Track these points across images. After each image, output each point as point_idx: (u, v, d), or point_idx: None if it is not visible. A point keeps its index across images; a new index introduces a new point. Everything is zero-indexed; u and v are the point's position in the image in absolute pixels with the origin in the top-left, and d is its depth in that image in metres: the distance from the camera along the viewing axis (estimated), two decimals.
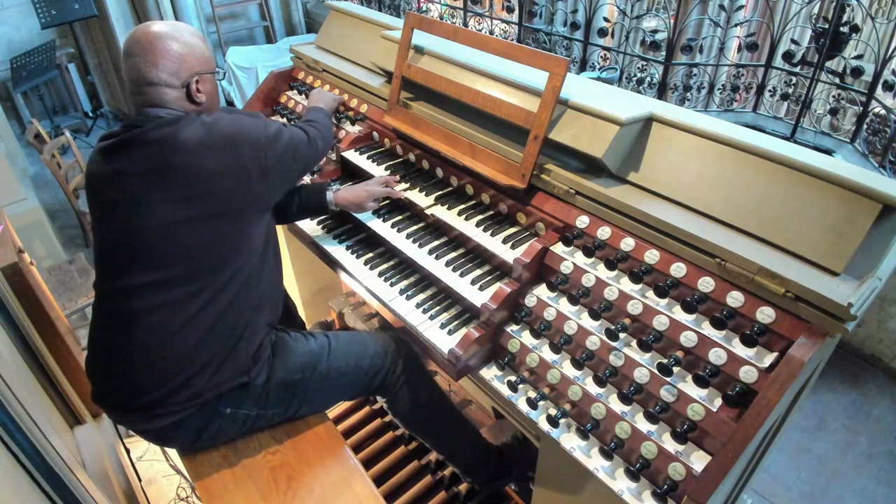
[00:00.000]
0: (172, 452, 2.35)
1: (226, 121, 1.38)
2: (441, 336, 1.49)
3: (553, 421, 1.30)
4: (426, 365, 1.74)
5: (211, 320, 1.36)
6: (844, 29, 3.12)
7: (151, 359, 1.34)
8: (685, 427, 1.14)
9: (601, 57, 4.32)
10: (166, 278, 1.33)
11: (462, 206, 1.69)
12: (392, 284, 1.67)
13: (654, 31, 4.31)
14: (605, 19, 3.89)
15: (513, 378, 1.40)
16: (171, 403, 1.36)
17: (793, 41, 3.54)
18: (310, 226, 1.92)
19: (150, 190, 1.31)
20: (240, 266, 1.39)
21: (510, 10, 4.47)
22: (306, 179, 2.09)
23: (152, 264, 1.33)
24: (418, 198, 1.75)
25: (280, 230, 2.42)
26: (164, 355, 1.34)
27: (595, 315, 1.33)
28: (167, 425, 1.40)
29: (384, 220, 1.78)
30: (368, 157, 1.96)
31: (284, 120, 2.30)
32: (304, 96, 2.34)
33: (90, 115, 5.80)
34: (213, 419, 1.43)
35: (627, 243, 1.34)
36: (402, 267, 1.74)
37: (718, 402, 1.14)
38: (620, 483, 1.20)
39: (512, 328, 1.46)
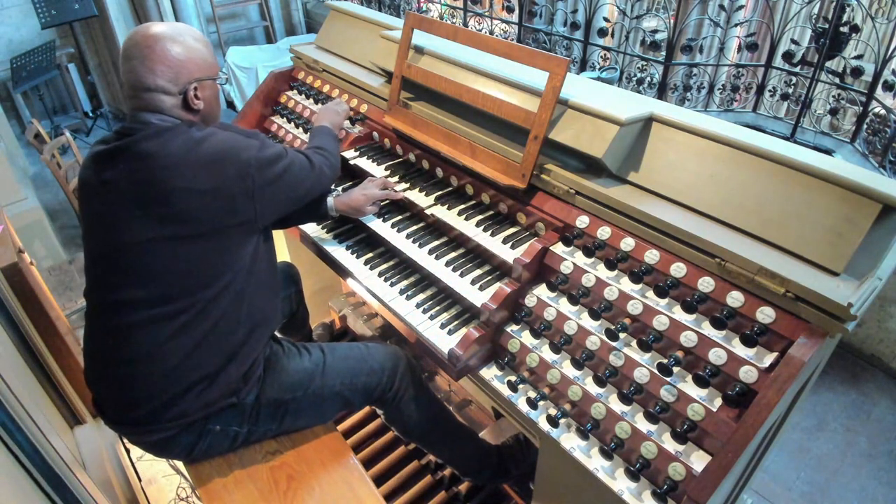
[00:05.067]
0: None
1: (216, 139, 1.31)
2: (441, 336, 1.49)
3: (553, 421, 1.30)
4: (424, 378, 1.72)
5: (195, 340, 1.32)
6: (844, 29, 3.13)
7: (137, 375, 1.32)
8: (685, 427, 1.14)
9: (601, 57, 4.33)
10: (146, 296, 1.29)
11: (462, 206, 1.69)
12: (392, 284, 1.67)
13: (654, 31, 4.31)
14: (605, 19, 3.89)
15: (513, 378, 1.40)
16: (157, 421, 1.35)
17: (793, 41, 3.54)
18: (310, 226, 1.92)
19: (129, 206, 1.27)
20: (223, 286, 1.34)
21: (510, 10, 4.48)
22: None
23: (132, 281, 1.30)
24: (418, 198, 1.75)
25: (279, 230, 2.43)
26: (151, 371, 1.32)
27: (595, 315, 1.32)
28: (158, 440, 1.40)
29: (384, 220, 1.78)
30: (368, 158, 1.96)
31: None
32: (303, 96, 2.35)
33: (90, 115, 5.80)
34: (203, 437, 1.42)
35: (627, 243, 1.34)
36: (403, 267, 1.74)
37: (718, 402, 1.14)
38: (620, 483, 1.20)
39: (512, 328, 1.46)
